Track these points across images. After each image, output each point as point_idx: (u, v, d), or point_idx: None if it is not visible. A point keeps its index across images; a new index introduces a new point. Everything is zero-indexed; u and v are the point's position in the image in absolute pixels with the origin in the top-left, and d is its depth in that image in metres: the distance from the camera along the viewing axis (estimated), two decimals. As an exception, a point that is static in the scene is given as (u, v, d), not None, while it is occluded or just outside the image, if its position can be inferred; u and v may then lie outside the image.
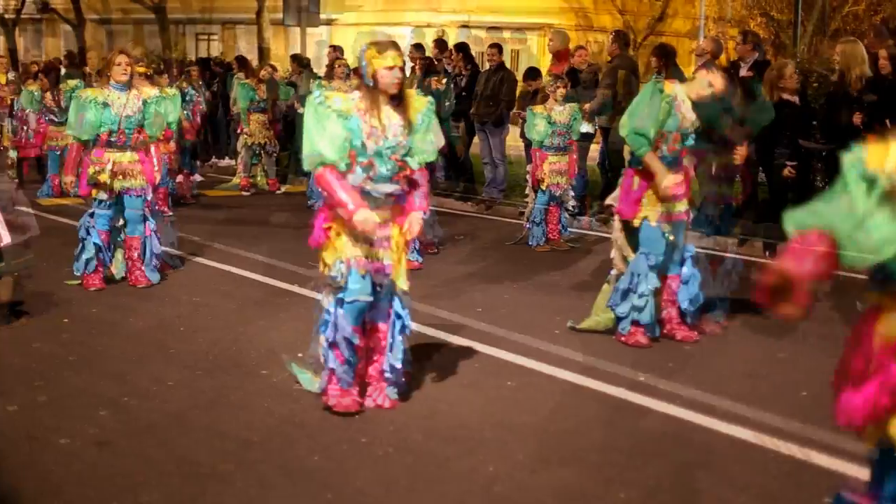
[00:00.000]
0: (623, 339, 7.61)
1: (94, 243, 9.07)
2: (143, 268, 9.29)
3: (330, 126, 5.77)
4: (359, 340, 6.03)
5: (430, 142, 6.07)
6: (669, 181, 7.36)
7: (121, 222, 9.32)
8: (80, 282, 9.20)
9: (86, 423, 5.76)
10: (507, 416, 5.99)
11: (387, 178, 5.88)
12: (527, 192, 12.07)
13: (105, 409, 5.99)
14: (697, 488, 4.99)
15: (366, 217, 5.72)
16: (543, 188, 11.66)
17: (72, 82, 14.79)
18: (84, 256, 9.13)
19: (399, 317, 6.12)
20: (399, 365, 6.11)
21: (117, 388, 6.39)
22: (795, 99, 11.00)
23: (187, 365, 6.94)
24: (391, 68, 5.80)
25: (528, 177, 12.03)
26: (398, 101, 5.91)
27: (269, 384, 6.53)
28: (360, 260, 5.92)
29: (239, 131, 17.06)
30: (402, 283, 6.11)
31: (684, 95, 7.55)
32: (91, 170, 9.03)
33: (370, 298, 6.00)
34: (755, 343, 7.79)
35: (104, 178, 9.01)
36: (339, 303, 5.98)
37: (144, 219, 9.29)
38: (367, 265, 5.93)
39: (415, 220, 5.99)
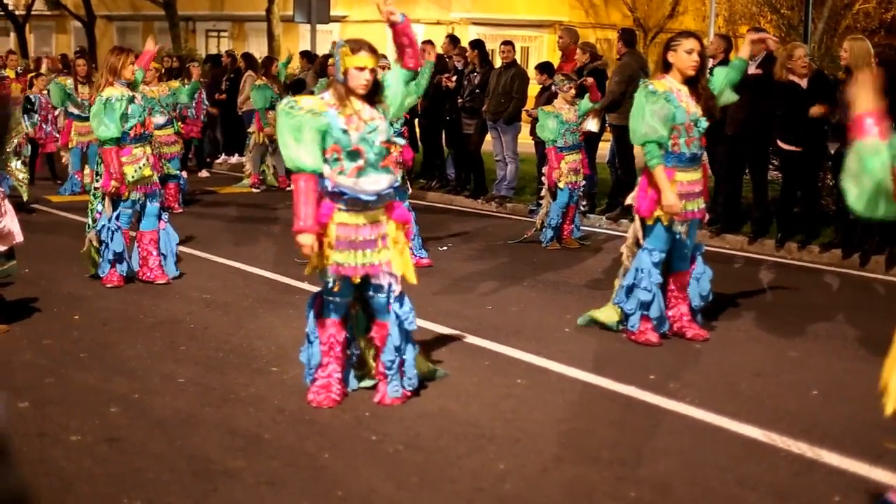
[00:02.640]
0: (633, 337, 7.60)
1: (115, 251, 9.14)
2: (160, 266, 9.34)
3: (305, 131, 5.80)
4: (340, 334, 6.16)
5: (397, 95, 6.09)
6: (670, 201, 7.34)
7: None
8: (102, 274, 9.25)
9: (96, 419, 5.78)
10: (517, 414, 5.99)
11: (376, 165, 5.90)
12: (542, 194, 12.04)
13: (116, 406, 6.01)
14: (708, 487, 4.99)
15: (304, 242, 5.78)
16: (562, 186, 11.64)
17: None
18: (108, 258, 9.18)
19: (398, 315, 6.12)
20: (393, 363, 6.13)
21: (128, 385, 6.41)
22: (803, 83, 10.99)
23: (198, 362, 6.96)
24: (361, 69, 5.86)
25: (543, 178, 12.00)
26: (368, 99, 5.97)
27: (280, 381, 6.54)
28: (349, 268, 5.95)
29: (251, 130, 17.09)
30: (411, 277, 6.13)
31: (678, 84, 7.51)
32: (128, 169, 9.04)
33: (350, 298, 6.12)
34: (765, 342, 7.78)
35: (147, 171, 9.16)
36: (321, 298, 6.16)
37: (159, 216, 9.35)
38: (356, 272, 5.97)
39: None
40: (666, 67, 7.53)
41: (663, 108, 7.34)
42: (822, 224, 11.93)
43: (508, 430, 5.73)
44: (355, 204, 5.91)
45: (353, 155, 5.87)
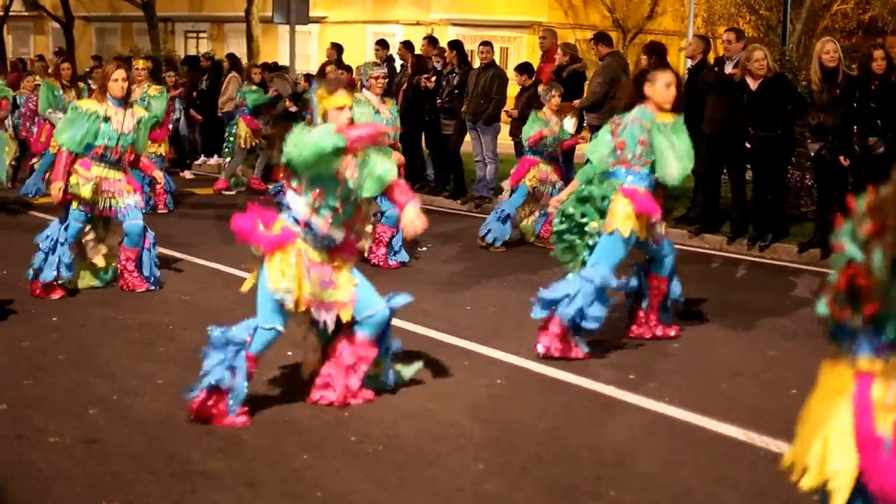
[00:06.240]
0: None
1: (48, 261, 8.67)
2: (138, 275, 9.02)
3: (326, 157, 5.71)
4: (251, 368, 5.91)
5: (378, 172, 5.93)
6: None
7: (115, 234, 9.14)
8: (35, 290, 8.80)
9: (75, 421, 5.75)
10: (497, 414, 6.00)
11: (341, 222, 5.90)
12: (504, 189, 12.13)
13: (94, 408, 5.98)
14: (687, 486, 5.00)
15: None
16: (524, 183, 11.67)
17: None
18: (36, 265, 8.74)
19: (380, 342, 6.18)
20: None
21: (106, 387, 6.38)
22: (754, 85, 11.08)
23: (176, 363, 6.93)
24: (341, 108, 5.90)
25: (510, 178, 12.07)
26: None
27: (259, 382, 6.51)
28: (304, 298, 5.84)
29: (236, 132, 17.14)
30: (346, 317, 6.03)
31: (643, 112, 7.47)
32: (73, 178, 8.66)
33: (282, 329, 5.93)
34: (744, 341, 7.81)
35: (84, 192, 8.65)
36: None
37: (144, 230, 9.01)
38: (308, 302, 5.87)
39: (415, 216, 5.95)
40: (640, 98, 7.47)
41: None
42: (800, 223, 12.00)
43: (488, 430, 5.73)
44: (321, 241, 5.91)
45: (333, 209, 5.86)
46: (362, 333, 6.06)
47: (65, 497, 4.78)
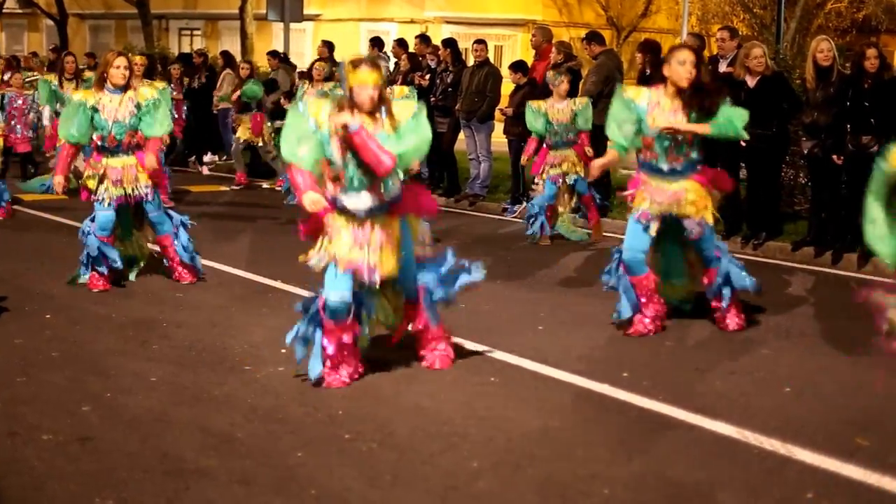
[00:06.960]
0: (629, 332, 7.78)
1: (88, 254, 8.90)
2: (183, 263, 9.26)
3: (307, 137, 6.14)
4: (349, 335, 6.40)
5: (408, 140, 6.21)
6: (594, 166, 8.13)
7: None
8: (84, 282, 9.03)
9: (68, 418, 5.74)
10: (491, 412, 5.99)
11: (358, 189, 6.17)
12: (536, 183, 12.13)
13: (88, 405, 5.97)
14: (680, 484, 5.00)
15: (312, 199, 6.12)
16: (544, 178, 11.70)
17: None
18: (83, 261, 9.00)
19: (429, 290, 6.83)
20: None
21: (100, 384, 6.37)
22: (752, 82, 11.05)
23: (170, 360, 6.92)
24: (363, 85, 6.01)
25: (535, 179, 12.10)
26: (376, 113, 6.13)
27: (253, 379, 6.52)
28: (343, 259, 6.22)
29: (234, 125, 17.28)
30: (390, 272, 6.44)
31: (665, 97, 7.54)
32: (86, 173, 8.97)
33: (348, 299, 6.29)
34: (738, 339, 7.80)
35: (92, 183, 8.88)
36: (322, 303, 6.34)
37: (169, 216, 9.20)
38: (350, 264, 6.23)
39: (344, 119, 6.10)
40: (663, 79, 7.62)
41: (623, 114, 7.63)
42: (794, 222, 12.01)
43: (482, 428, 5.72)
44: (344, 211, 6.24)
45: (335, 176, 6.15)
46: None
47: (58, 495, 4.77)
